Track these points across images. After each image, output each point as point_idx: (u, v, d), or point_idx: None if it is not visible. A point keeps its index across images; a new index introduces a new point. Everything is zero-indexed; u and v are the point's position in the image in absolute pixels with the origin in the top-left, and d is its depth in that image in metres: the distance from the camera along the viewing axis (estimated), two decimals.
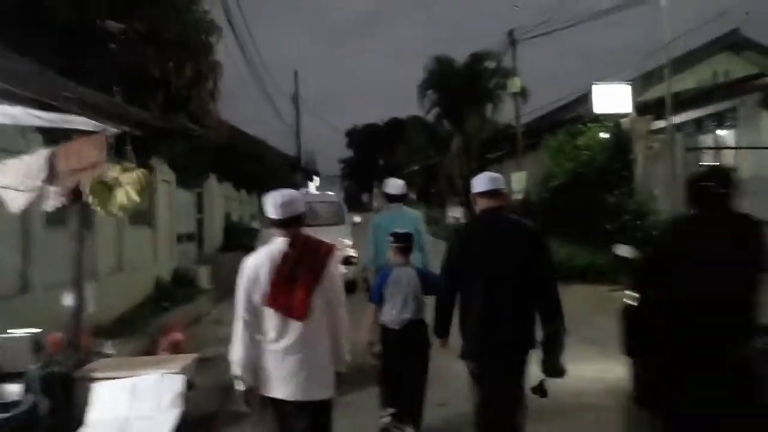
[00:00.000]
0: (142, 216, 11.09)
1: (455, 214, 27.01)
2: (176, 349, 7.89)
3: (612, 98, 13.19)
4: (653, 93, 14.21)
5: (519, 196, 17.68)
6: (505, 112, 27.17)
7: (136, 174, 4.65)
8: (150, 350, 7.85)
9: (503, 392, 3.64)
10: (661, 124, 13.18)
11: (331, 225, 11.35)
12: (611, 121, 13.46)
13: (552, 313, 3.56)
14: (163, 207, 11.97)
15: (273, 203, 3.23)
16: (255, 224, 13.64)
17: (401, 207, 6.10)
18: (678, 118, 12.72)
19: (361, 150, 70.38)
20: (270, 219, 3.29)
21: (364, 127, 70.01)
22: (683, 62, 15.63)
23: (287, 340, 3.18)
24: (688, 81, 15.11)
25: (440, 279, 3.92)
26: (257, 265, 3.21)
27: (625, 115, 13.30)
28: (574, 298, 11.45)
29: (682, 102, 12.61)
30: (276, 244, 3.26)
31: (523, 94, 21.02)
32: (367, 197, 69.98)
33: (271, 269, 3.17)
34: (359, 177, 70.82)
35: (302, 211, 3.30)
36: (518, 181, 18.00)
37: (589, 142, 13.40)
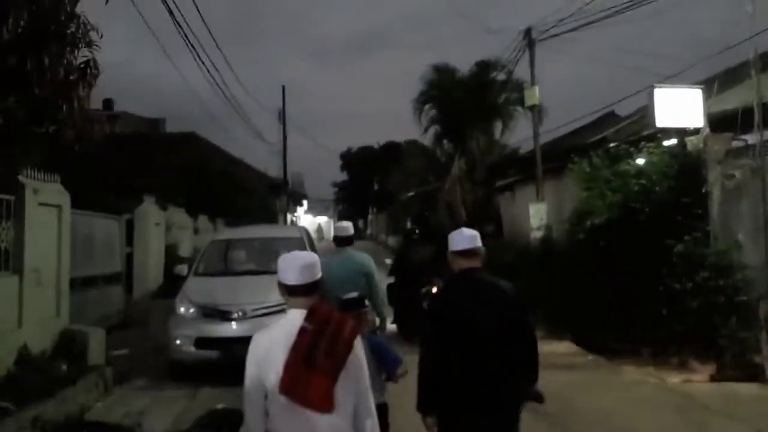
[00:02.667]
0: None
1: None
2: None
3: (677, 108, 9.65)
4: (719, 105, 10.75)
5: (538, 234, 14.12)
6: (516, 133, 23.67)
7: None
8: None
9: None
10: (739, 144, 9.72)
11: None
12: (671, 137, 9.99)
13: (530, 375, 3.66)
14: (42, 242, 8.25)
15: (289, 265, 2.75)
16: (180, 269, 9.68)
17: (347, 250, 5.92)
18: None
19: (356, 173, 68.03)
20: (284, 285, 2.74)
21: (359, 150, 67.53)
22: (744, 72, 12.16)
23: None
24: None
25: (423, 347, 3.68)
26: (270, 343, 2.67)
27: (693, 132, 9.77)
28: (622, 392, 7.73)
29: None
30: (291, 318, 2.70)
31: (540, 110, 17.51)
32: (362, 223, 67.22)
33: (287, 348, 2.58)
34: (354, 201, 68.52)
35: (321, 275, 2.80)
36: (537, 215, 14.47)
37: (644, 168, 9.87)
